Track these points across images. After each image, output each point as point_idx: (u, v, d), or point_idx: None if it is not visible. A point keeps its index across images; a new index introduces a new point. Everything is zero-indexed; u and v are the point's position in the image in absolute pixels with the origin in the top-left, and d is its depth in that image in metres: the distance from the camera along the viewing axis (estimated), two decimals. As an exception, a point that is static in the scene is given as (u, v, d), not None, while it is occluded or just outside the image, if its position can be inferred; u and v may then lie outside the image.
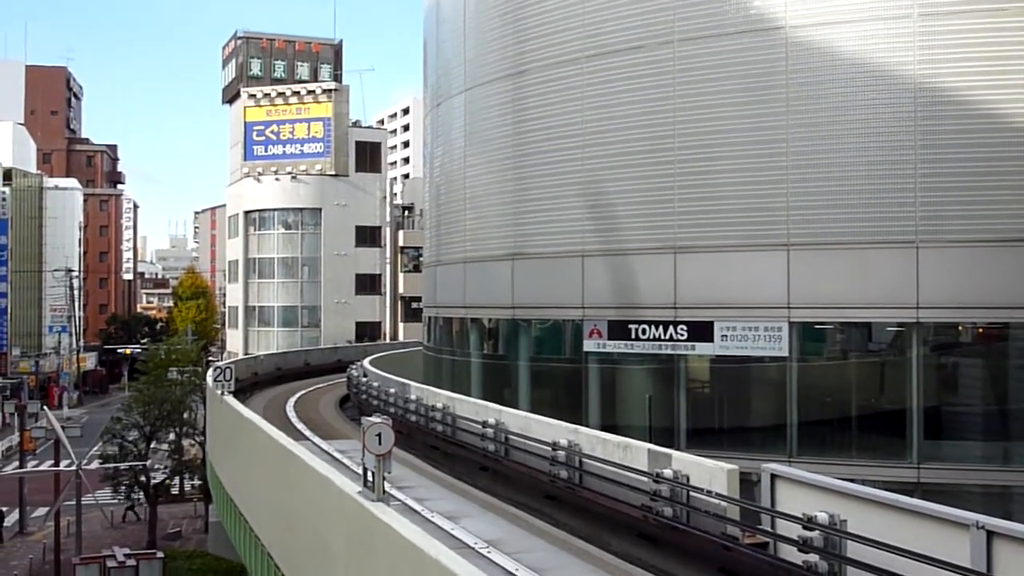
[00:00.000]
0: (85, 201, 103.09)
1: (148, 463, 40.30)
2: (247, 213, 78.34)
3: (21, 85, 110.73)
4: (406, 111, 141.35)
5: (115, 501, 41.63)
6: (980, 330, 20.89)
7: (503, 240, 26.96)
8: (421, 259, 52.01)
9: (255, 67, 79.63)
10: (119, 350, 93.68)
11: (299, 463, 14.15)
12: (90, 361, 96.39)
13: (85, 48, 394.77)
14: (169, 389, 42.08)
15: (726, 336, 21.65)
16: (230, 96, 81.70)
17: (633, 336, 23.06)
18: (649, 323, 22.78)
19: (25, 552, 37.95)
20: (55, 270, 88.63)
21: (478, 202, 28.44)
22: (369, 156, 78.28)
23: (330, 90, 75.55)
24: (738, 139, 21.66)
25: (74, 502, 34.90)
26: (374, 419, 11.14)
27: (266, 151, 76.23)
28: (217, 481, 26.43)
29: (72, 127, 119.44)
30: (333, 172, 74.68)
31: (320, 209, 75.84)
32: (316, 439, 24.68)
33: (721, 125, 21.89)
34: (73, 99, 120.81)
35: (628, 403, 24.34)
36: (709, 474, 12.16)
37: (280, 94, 75.88)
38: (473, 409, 20.11)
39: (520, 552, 13.17)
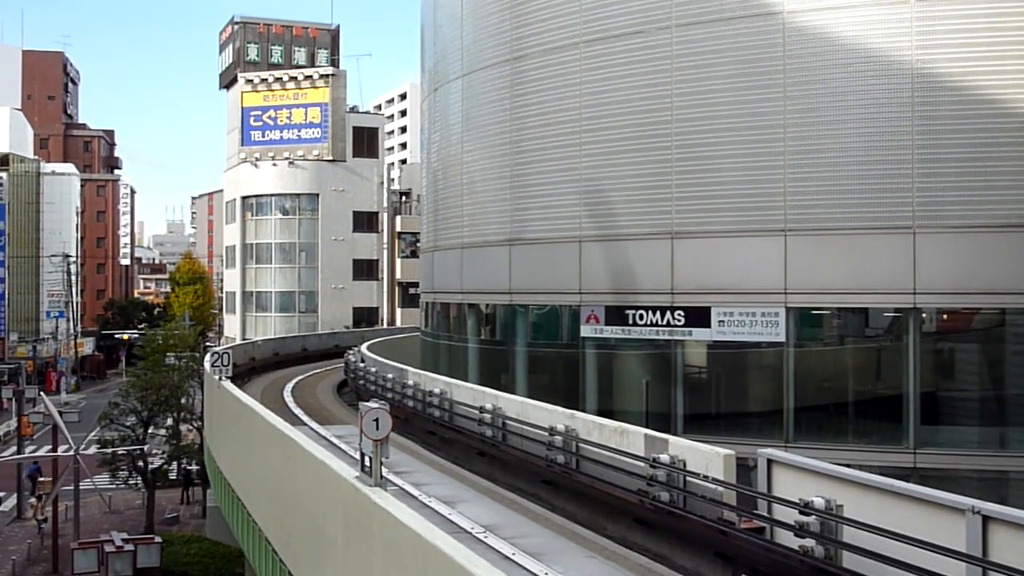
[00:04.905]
0: (82, 186, 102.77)
1: (146, 447, 40.30)
2: (244, 198, 78.24)
3: (18, 70, 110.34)
4: (403, 96, 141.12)
5: (113, 486, 41.62)
6: (977, 316, 20.90)
7: (500, 225, 26.94)
8: (418, 244, 51.96)
9: (252, 52, 79.41)
10: (117, 335, 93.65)
11: (296, 448, 14.16)
12: (88, 346, 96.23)
13: (82, 33, 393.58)
14: (167, 374, 41.98)
15: (723, 321, 21.66)
16: (227, 81, 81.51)
17: (630, 321, 23.07)
18: (646, 308, 22.79)
19: (23, 537, 37.98)
20: (52, 255, 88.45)
21: (475, 187, 28.40)
22: (367, 141, 78.21)
23: (327, 75, 75.36)
24: (735, 124, 21.62)
25: (72, 487, 34.93)
26: (371, 404, 11.15)
27: (263, 136, 76.09)
28: (215, 466, 26.47)
29: (69, 112, 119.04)
30: (330, 157, 74.56)
31: (317, 194, 75.79)
32: (313, 424, 24.73)
33: (719, 110, 21.85)
34: (70, 84, 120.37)
35: (625, 388, 24.36)
36: (705, 459, 12.19)
37: (277, 79, 75.70)
38: (470, 394, 20.15)
39: (517, 537, 13.21)
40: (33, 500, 39.33)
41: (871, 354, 22.21)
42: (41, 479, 41.41)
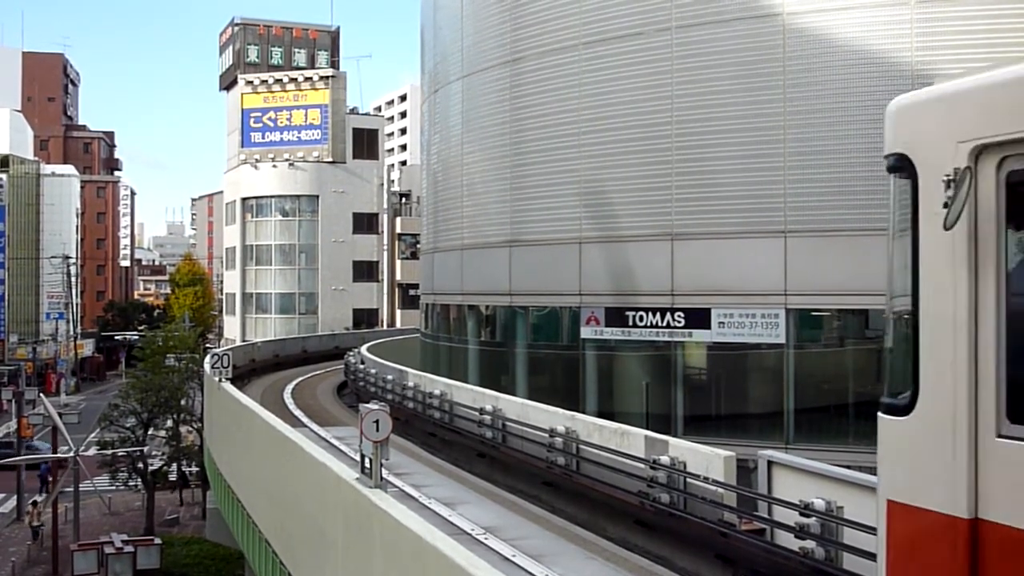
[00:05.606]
0: (82, 188, 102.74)
1: (146, 449, 40.31)
2: (244, 200, 78.21)
3: (18, 72, 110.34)
4: (403, 98, 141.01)
5: (113, 488, 41.61)
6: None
7: (500, 227, 26.94)
8: (419, 246, 51.96)
9: (252, 54, 79.43)
10: (116, 337, 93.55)
11: (296, 450, 14.16)
12: (87, 348, 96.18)
13: (82, 34, 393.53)
14: (167, 376, 42.01)
15: (723, 323, 21.65)
16: (227, 83, 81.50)
17: (630, 323, 23.06)
18: (646, 310, 22.78)
19: (23, 538, 37.98)
20: (52, 257, 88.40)
21: (475, 189, 28.41)
22: (366, 143, 78.18)
23: (327, 77, 75.36)
24: (735, 126, 21.62)
25: (72, 488, 34.91)
26: (372, 406, 11.15)
27: (263, 138, 76.07)
28: (215, 468, 26.47)
29: (69, 114, 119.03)
30: (330, 159, 74.55)
31: (317, 196, 75.75)
32: (314, 426, 24.72)
33: (718, 112, 21.85)
34: (70, 86, 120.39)
35: (625, 390, 24.36)
36: (706, 461, 12.18)
37: (277, 81, 75.69)
38: (471, 396, 20.14)
39: (517, 538, 13.21)
40: (30, 507, 39.31)
41: (871, 355, 22.19)
42: (51, 478, 41.44)
